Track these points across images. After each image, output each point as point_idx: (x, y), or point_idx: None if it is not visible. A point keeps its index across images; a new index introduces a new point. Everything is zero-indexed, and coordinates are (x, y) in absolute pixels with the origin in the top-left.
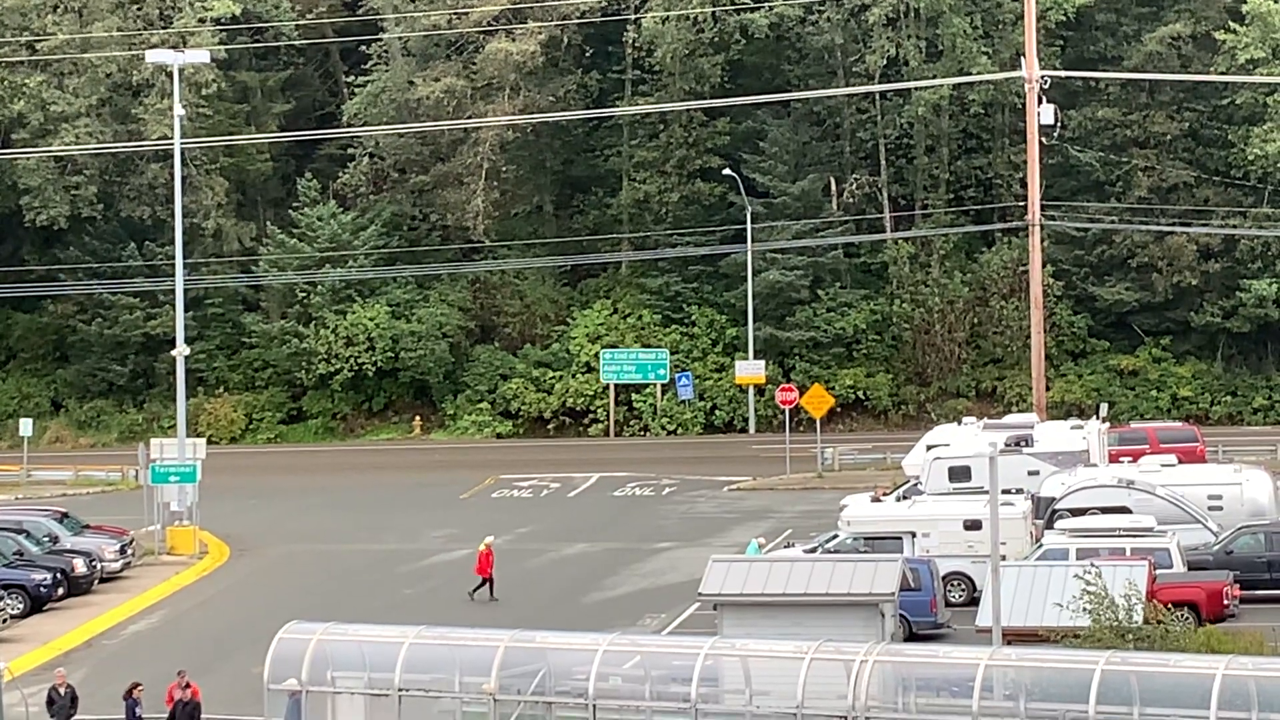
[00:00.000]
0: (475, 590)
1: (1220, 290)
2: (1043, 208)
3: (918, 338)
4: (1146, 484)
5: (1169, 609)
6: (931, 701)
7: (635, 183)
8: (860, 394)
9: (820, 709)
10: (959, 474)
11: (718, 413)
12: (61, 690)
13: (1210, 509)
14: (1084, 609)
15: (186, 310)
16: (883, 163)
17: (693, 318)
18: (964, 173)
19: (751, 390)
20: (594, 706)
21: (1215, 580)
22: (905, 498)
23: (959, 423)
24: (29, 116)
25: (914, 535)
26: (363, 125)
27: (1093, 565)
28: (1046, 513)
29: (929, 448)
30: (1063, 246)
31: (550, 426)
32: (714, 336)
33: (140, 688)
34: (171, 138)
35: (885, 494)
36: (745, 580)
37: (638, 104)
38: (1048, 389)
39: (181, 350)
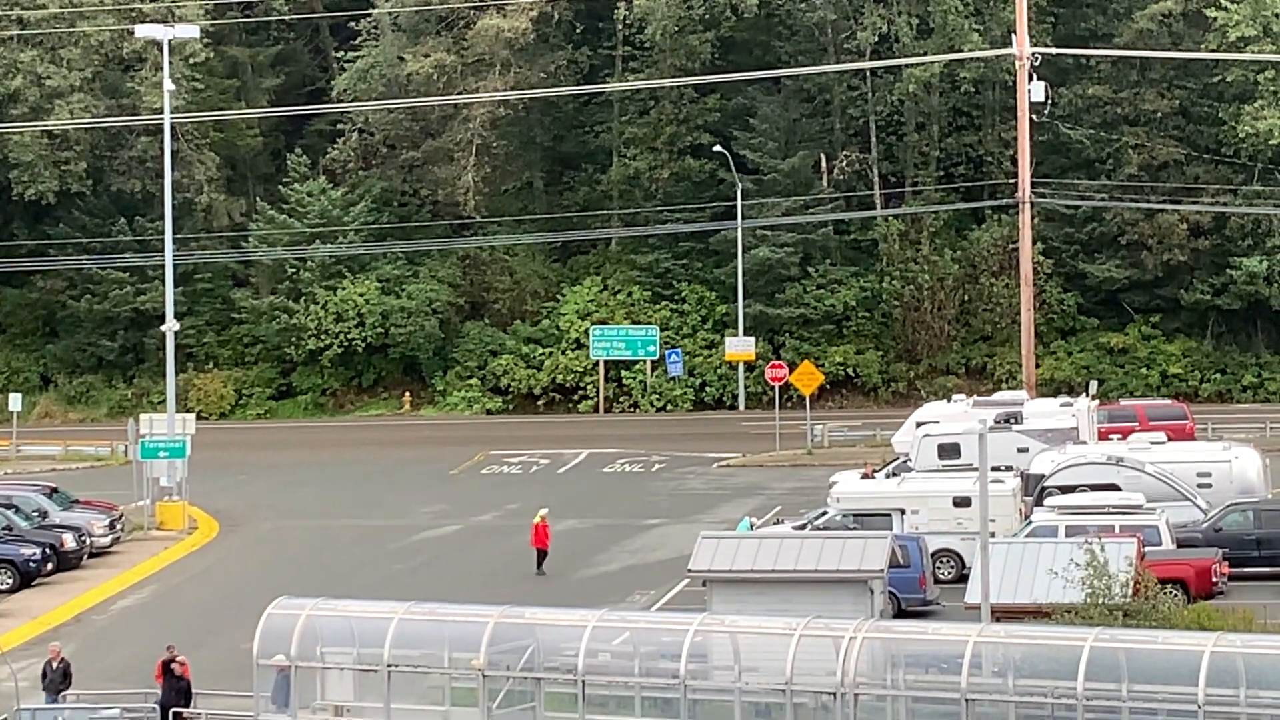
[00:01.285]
0: (539, 564)
1: (1210, 268)
2: (1033, 185)
3: (907, 315)
4: (1136, 461)
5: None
6: (920, 678)
7: (625, 159)
8: (850, 371)
9: (809, 685)
10: (948, 451)
11: (707, 389)
12: (55, 664)
13: (1199, 486)
14: (1081, 581)
15: (176, 285)
16: (873, 140)
17: (683, 294)
18: (954, 150)
19: (741, 367)
20: (583, 683)
21: (1204, 558)
22: (895, 475)
23: (949, 400)
24: (25, 93)
25: (903, 512)
26: (353, 101)
27: (1097, 539)
28: (1036, 490)
29: (918, 425)
30: (1053, 224)
31: (540, 403)
32: (704, 313)
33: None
34: (163, 110)
35: (875, 471)
36: (734, 557)
37: (628, 80)
38: (1037, 366)
39: (171, 325)
